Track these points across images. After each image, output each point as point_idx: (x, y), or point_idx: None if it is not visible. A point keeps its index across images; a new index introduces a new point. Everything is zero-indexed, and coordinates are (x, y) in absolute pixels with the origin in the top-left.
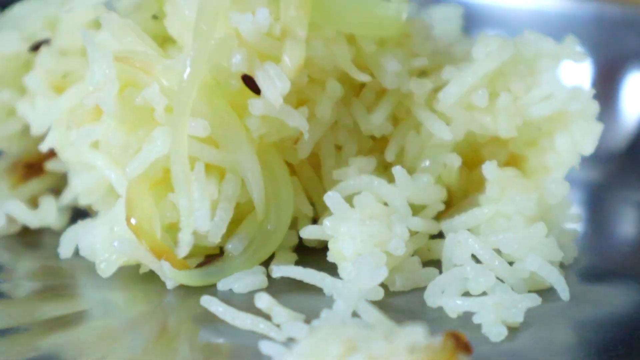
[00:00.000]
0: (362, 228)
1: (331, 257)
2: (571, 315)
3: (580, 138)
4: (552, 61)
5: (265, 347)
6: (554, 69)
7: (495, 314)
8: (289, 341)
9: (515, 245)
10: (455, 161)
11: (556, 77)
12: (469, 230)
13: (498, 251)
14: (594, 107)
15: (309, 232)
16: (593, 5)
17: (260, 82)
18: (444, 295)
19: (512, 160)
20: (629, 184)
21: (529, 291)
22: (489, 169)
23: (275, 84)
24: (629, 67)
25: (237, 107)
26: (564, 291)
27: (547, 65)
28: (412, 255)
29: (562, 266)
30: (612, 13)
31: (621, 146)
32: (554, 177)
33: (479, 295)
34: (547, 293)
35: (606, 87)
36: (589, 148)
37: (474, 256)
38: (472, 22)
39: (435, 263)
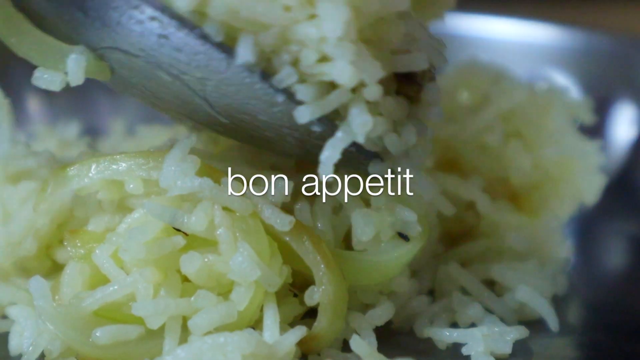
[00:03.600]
0: None
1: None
2: (561, 346)
3: (585, 188)
4: (565, 111)
5: None
6: (566, 116)
7: (484, 345)
8: None
9: (509, 273)
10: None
11: (567, 123)
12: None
13: (492, 281)
14: (600, 159)
15: None
16: (582, 35)
17: None
18: (433, 326)
19: (514, 200)
20: (619, 214)
21: (520, 322)
22: (483, 204)
23: None
24: (617, 98)
25: None
26: (553, 322)
27: (559, 111)
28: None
29: (552, 297)
30: (601, 43)
31: (610, 177)
32: (548, 213)
33: (468, 327)
34: (536, 324)
35: (595, 117)
36: (591, 199)
37: (463, 287)
38: (460, 53)
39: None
